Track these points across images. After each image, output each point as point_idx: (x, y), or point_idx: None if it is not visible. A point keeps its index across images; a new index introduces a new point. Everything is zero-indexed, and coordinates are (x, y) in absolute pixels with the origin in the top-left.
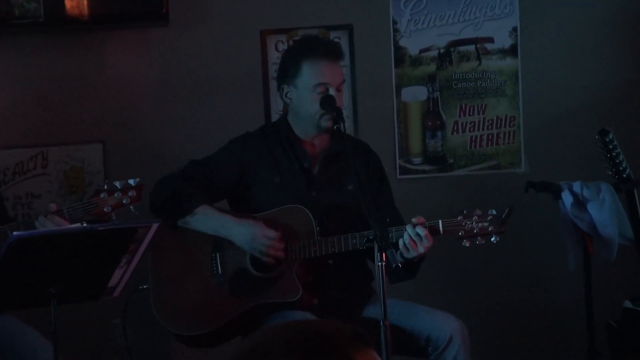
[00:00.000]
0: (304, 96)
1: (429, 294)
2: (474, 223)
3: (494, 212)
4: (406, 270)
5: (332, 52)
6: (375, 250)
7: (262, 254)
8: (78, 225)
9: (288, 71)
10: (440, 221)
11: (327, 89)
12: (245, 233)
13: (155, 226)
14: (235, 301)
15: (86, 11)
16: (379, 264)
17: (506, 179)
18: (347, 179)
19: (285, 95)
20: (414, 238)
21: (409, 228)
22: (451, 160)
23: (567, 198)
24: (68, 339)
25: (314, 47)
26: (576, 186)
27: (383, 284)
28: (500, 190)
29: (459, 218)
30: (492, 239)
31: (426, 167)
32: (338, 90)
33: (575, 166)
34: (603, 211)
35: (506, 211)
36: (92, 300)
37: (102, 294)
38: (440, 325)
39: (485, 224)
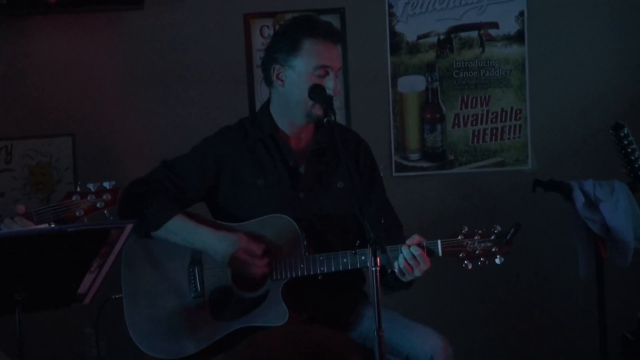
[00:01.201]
0: (300, 78)
1: (424, 300)
2: (476, 243)
3: (499, 228)
4: (401, 283)
5: (334, 34)
6: (369, 254)
7: (244, 271)
8: (45, 225)
9: (283, 49)
10: (439, 241)
11: (328, 73)
12: (225, 248)
13: (129, 227)
14: (217, 323)
15: None
16: (373, 269)
17: (512, 177)
18: (337, 176)
19: (277, 77)
20: (409, 262)
21: (403, 250)
22: (452, 157)
23: (578, 198)
24: (34, 349)
25: (315, 25)
26: (588, 185)
27: (377, 290)
28: (505, 189)
29: (459, 237)
30: (497, 261)
31: (424, 164)
32: (336, 76)
33: (587, 163)
34: (617, 212)
35: (512, 230)
36: (61, 308)
37: (71, 301)
38: (420, 344)
39: (488, 244)
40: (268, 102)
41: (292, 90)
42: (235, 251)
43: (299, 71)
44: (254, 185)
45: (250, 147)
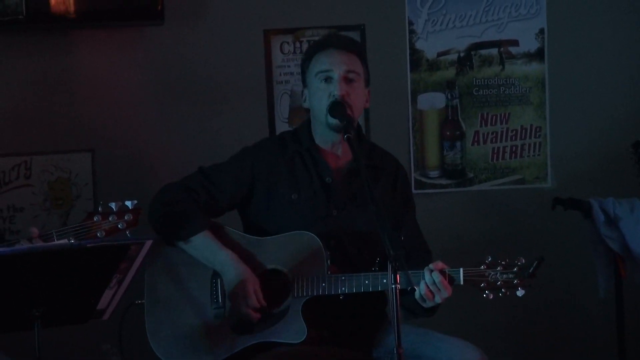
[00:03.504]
0: (312, 92)
1: (446, 319)
2: (498, 274)
3: (523, 261)
4: (422, 308)
5: (342, 42)
6: (389, 272)
7: (236, 307)
8: (65, 241)
9: (302, 72)
10: (461, 270)
11: (329, 77)
12: (235, 282)
13: (149, 243)
14: (236, 337)
15: (72, 7)
16: (393, 286)
17: (531, 194)
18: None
19: (304, 100)
20: (430, 288)
21: (425, 275)
22: (471, 174)
23: (597, 216)
24: None
25: (324, 41)
26: (607, 203)
27: (397, 308)
28: (524, 207)
29: (481, 267)
30: (518, 293)
31: (444, 181)
32: (346, 80)
33: (607, 181)
34: (637, 231)
35: (535, 263)
36: (79, 324)
37: (90, 317)
38: (457, 355)
39: (510, 276)
40: (309, 119)
41: (311, 104)
42: (240, 292)
43: (310, 85)
44: (287, 199)
45: (288, 161)
